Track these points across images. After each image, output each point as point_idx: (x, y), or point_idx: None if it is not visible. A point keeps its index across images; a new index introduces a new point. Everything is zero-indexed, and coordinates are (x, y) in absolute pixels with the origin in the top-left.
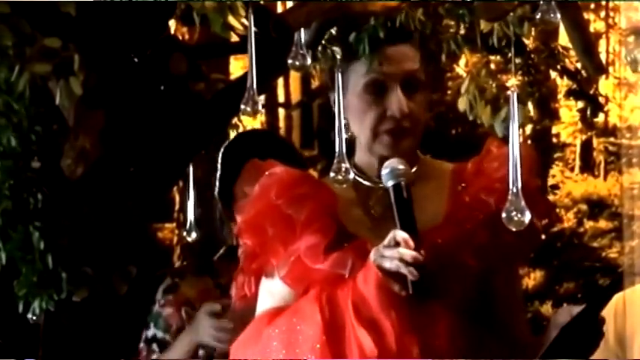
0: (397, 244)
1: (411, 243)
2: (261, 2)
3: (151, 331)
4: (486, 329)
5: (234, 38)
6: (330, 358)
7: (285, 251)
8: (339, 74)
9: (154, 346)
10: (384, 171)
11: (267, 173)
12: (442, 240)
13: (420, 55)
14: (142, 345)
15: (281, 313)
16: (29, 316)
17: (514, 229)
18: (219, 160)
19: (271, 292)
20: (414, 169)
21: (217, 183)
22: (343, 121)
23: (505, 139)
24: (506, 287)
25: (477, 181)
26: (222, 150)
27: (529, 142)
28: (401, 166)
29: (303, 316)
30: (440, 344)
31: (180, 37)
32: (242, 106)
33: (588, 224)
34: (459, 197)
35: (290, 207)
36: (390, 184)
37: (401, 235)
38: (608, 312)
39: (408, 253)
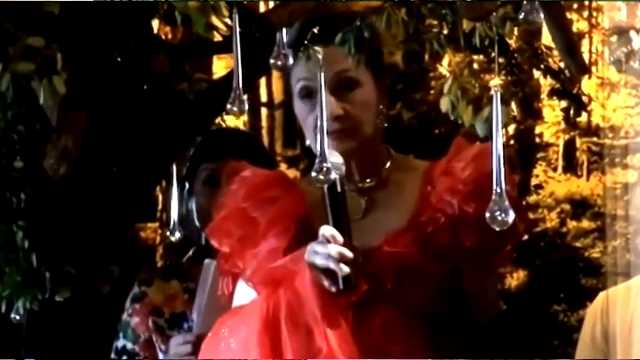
0: (328, 241)
1: (339, 238)
2: (245, 2)
3: (120, 342)
4: (457, 333)
5: (218, 38)
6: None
7: (251, 254)
8: (321, 73)
9: (124, 358)
10: None
11: (238, 176)
12: (402, 244)
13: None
14: (113, 356)
15: (236, 313)
16: (12, 315)
17: (497, 229)
18: (189, 158)
19: (243, 292)
20: (387, 166)
21: (187, 181)
22: (325, 120)
23: (486, 139)
24: (477, 288)
25: (443, 181)
26: (193, 148)
27: (511, 142)
28: (333, 159)
29: (247, 318)
30: (394, 349)
31: (163, 37)
32: (228, 106)
33: (571, 224)
34: (427, 199)
35: (256, 210)
36: None
37: (329, 230)
38: (594, 310)
39: (335, 249)
